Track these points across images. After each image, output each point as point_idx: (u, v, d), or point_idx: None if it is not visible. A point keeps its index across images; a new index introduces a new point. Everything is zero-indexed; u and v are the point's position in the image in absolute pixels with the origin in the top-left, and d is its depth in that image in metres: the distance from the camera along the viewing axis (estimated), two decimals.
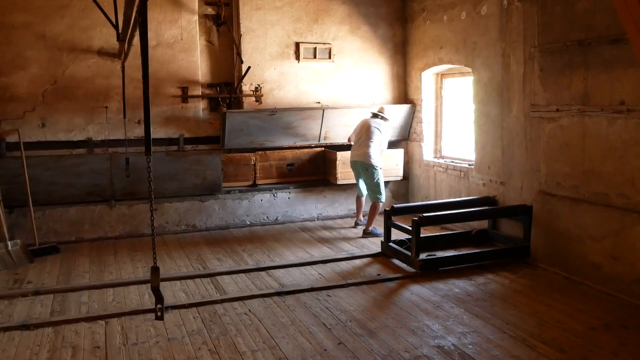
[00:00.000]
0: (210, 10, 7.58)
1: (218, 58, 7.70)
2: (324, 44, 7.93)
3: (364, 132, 7.05)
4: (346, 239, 7.01)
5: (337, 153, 7.58)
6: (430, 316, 4.55)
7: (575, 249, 5.34)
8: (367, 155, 6.92)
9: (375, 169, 6.94)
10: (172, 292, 5.13)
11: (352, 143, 7.25)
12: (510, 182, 6.24)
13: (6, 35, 6.55)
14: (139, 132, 7.12)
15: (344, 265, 5.94)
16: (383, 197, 7.09)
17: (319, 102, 7.95)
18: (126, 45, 5.42)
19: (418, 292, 5.11)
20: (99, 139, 7.03)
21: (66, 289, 5.26)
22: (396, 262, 5.93)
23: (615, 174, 4.91)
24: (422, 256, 5.71)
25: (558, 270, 5.51)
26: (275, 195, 7.82)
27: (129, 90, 6.70)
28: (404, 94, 8.41)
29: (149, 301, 4.88)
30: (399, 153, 8.10)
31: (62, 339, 4.19)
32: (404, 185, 8.43)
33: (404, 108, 8.11)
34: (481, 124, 6.67)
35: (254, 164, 7.73)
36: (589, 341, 4.05)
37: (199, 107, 7.47)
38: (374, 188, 7.02)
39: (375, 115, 7.23)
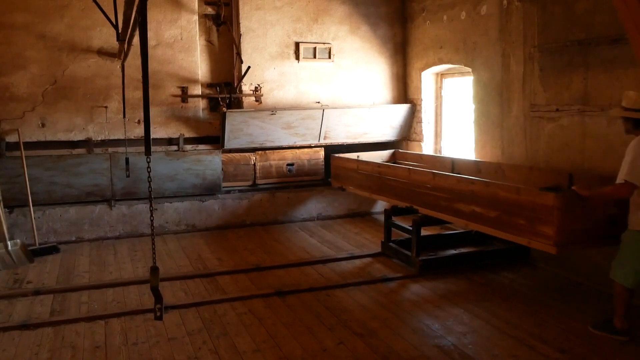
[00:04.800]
0: (210, 10, 7.58)
1: (218, 58, 7.69)
2: (324, 43, 7.92)
3: None
4: (346, 238, 7.01)
5: None
6: (430, 316, 4.54)
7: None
8: None
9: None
10: (172, 292, 5.13)
11: None
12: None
13: (6, 35, 6.54)
14: (138, 132, 7.12)
15: (344, 265, 5.94)
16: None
17: (319, 102, 7.95)
18: (126, 45, 5.41)
19: (418, 292, 5.11)
20: (99, 138, 7.02)
21: (66, 289, 5.26)
22: (396, 262, 5.94)
23: (615, 174, 4.89)
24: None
25: (558, 270, 5.51)
26: (274, 195, 7.83)
27: (129, 90, 6.70)
28: (403, 94, 8.41)
29: (149, 301, 4.85)
30: None
31: (62, 339, 4.19)
32: None
33: (404, 108, 8.10)
34: (481, 124, 6.67)
35: (254, 164, 7.73)
36: (589, 341, 4.05)
37: (199, 107, 7.47)
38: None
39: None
